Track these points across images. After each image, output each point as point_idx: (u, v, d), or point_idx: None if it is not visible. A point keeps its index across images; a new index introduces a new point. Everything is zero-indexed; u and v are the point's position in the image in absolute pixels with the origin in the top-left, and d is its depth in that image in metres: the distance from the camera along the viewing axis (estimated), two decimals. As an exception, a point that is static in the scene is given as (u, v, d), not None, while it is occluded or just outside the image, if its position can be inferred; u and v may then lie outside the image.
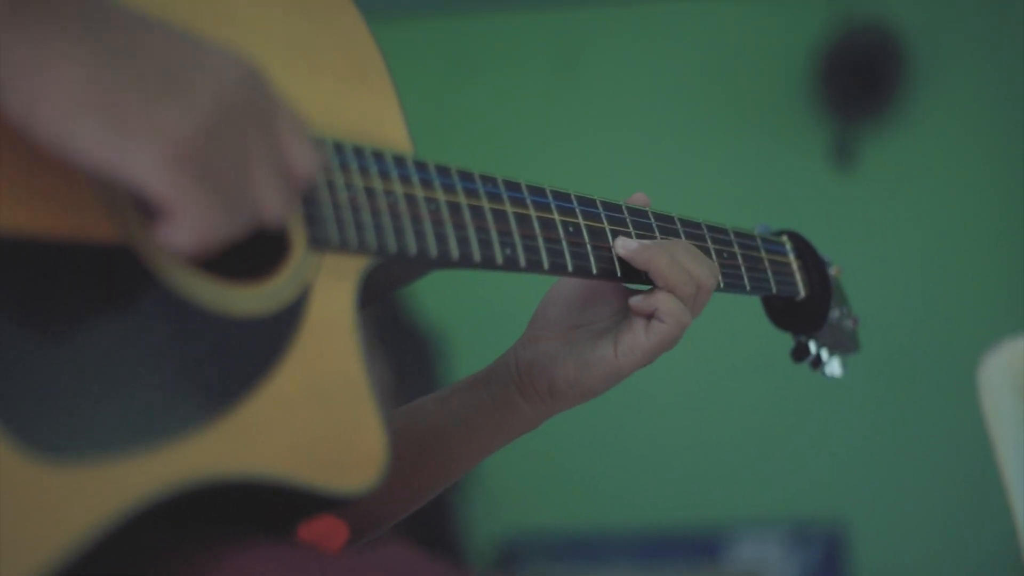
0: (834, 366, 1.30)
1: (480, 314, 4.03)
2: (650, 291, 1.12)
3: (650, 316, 1.12)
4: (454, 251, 0.98)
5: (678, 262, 1.11)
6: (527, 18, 4.29)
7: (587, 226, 1.09)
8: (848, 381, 4.16)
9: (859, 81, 4.08)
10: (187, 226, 0.77)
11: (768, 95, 4.19)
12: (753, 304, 1.34)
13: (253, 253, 0.89)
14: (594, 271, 1.09)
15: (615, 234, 1.11)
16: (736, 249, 1.22)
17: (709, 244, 1.19)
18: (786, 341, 1.34)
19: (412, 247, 0.95)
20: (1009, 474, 1.49)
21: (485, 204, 1.01)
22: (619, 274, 1.11)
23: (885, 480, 4.08)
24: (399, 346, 3.56)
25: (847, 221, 4.13)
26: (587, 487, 4.15)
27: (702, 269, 1.13)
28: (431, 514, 3.73)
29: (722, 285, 1.18)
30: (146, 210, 0.82)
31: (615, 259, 1.11)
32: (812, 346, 1.30)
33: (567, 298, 1.16)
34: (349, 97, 0.97)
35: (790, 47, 4.15)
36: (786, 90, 4.17)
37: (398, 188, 0.95)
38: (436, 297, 3.93)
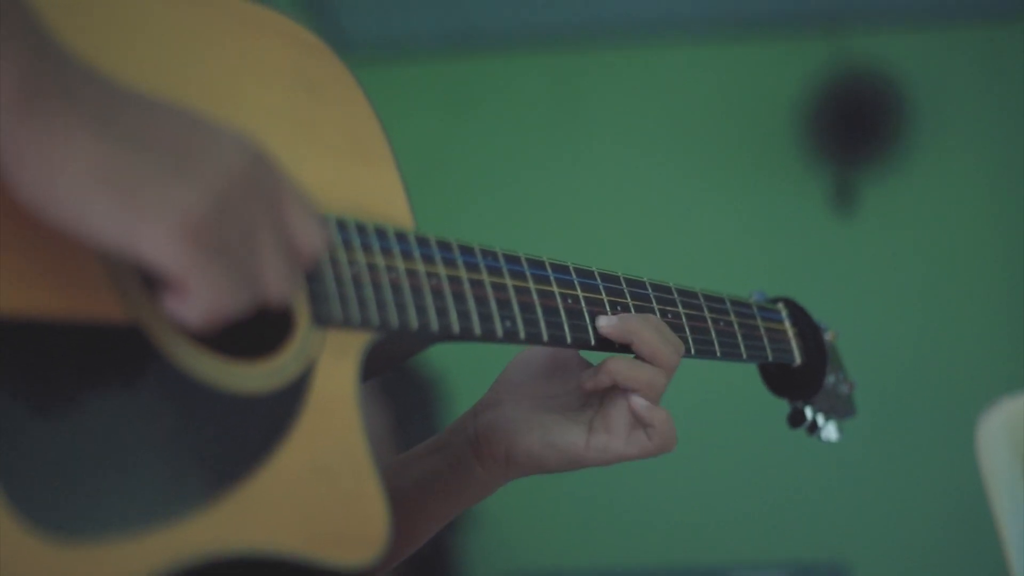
0: (830, 431, 1.31)
1: (479, 359, 4.03)
2: (649, 407, 1.12)
3: (644, 425, 1.12)
4: (455, 325, 0.99)
5: (662, 334, 1.12)
6: (527, 59, 4.31)
7: (585, 297, 1.10)
8: (848, 426, 4.14)
9: (859, 126, 4.10)
10: (197, 301, 0.79)
11: (768, 139, 4.20)
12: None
13: (257, 331, 0.90)
14: (592, 342, 1.10)
15: (613, 305, 1.12)
16: (733, 318, 1.23)
17: (706, 313, 1.20)
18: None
19: (414, 322, 0.96)
20: (1006, 531, 1.50)
21: (485, 278, 1.03)
22: (617, 346, 1.12)
23: (885, 523, 4.08)
24: (399, 391, 3.56)
25: (848, 266, 4.14)
26: (589, 528, 4.15)
27: (669, 347, 1.13)
28: (432, 555, 3.73)
29: (719, 353, 1.19)
30: (153, 288, 0.84)
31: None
32: (808, 412, 1.32)
33: (534, 366, 1.16)
34: (351, 172, 0.98)
35: (790, 91, 4.17)
36: (786, 135, 4.18)
37: (400, 264, 0.97)
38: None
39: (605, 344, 1.11)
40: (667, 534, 4.15)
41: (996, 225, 4.10)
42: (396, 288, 0.95)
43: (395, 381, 3.59)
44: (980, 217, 4.11)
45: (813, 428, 1.32)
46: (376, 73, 3.48)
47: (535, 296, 1.06)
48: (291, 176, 0.87)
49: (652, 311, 1.15)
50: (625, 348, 1.12)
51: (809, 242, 4.17)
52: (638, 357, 1.12)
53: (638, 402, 1.11)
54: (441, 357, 3.98)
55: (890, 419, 4.03)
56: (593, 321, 1.10)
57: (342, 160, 0.98)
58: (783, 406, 1.36)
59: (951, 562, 3.99)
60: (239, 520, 0.84)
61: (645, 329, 1.11)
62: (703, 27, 4.22)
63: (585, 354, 1.16)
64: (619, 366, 1.11)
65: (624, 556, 4.13)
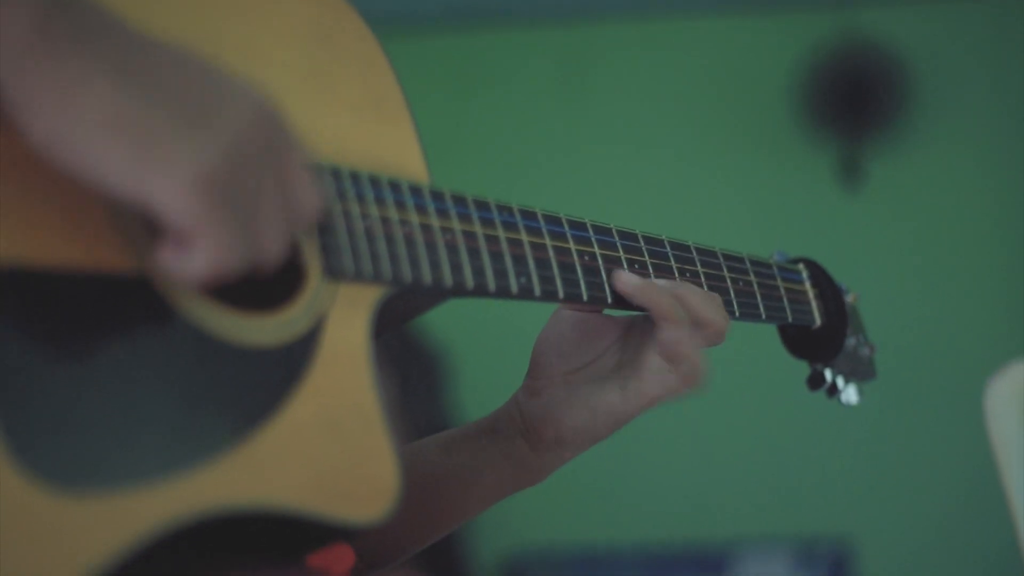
0: (850, 394, 1.29)
1: (486, 332, 4.04)
2: (676, 341, 1.09)
3: (675, 363, 1.09)
4: (469, 281, 0.98)
5: (686, 303, 1.09)
6: (534, 34, 4.30)
7: (602, 255, 1.08)
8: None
9: (864, 100, 4.09)
10: (200, 254, 0.78)
11: (774, 113, 4.19)
12: (762, 326, 1.34)
13: (268, 283, 0.89)
14: (609, 300, 1.08)
15: (631, 263, 1.10)
16: (752, 277, 1.21)
17: (725, 272, 1.18)
18: (792, 361, 1.33)
19: (427, 277, 0.95)
20: (1014, 497, 1.49)
21: (501, 234, 1.01)
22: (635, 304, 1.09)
23: (891, 498, 4.08)
24: (405, 364, 3.56)
25: (855, 240, 4.14)
26: (594, 504, 4.15)
27: (712, 312, 1.10)
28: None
29: (738, 313, 1.17)
30: (160, 239, 0.83)
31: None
32: (828, 374, 1.29)
33: (561, 342, 1.14)
34: (366, 126, 0.97)
35: (795, 65, 4.16)
36: (792, 109, 4.17)
37: (414, 218, 0.95)
38: (442, 314, 3.92)
39: (622, 301, 1.09)
40: (672, 510, 4.15)
41: (1001, 198, 4.09)
42: (409, 242, 0.94)
43: (401, 355, 3.59)
44: (985, 190, 4.11)
45: (833, 391, 1.30)
46: (384, 46, 3.44)
47: (551, 252, 1.04)
48: (301, 132, 0.86)
49: (671, 269, 1.13)
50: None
51: (815, 217, 4.16)
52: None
53: (663, 335, 1.09)
54: (446, 331, 3.97)
55: (897, 393, 4.03)
56: (610, 277, 1.08)
57: (358, 114, 0.97)
58: (789, 381, 1.34)
59: (959, 536, 3.99)
60: (247, 474, 0.83)
61: (692, 296, 1.10)
62: (708, 2, 4.20)
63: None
64: (661, 295, 1.09)
65: (628, 532, 4.13)
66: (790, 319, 1.25)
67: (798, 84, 4.16)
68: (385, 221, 0.93)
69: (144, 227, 0.83)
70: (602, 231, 1.09)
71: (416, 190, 0.97)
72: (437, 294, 0.98)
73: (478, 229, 1.00)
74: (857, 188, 4.12)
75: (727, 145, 4.21)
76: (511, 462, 1.14)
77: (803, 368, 1.32)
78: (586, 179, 4.22)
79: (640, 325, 1.12)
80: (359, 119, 0.97)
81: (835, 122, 4.12)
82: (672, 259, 1.14)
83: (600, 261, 1.08)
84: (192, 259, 0.79)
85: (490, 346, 4.08)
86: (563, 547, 4.10)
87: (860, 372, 1.33)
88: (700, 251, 1.17)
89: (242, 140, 0.80)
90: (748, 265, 1.21)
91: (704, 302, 1.10)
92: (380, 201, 0.94)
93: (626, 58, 4.28)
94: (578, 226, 1.08)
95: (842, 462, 4.10)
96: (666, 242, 1.14)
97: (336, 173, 0.91)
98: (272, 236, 0.82)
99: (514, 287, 1.01)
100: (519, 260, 1.01)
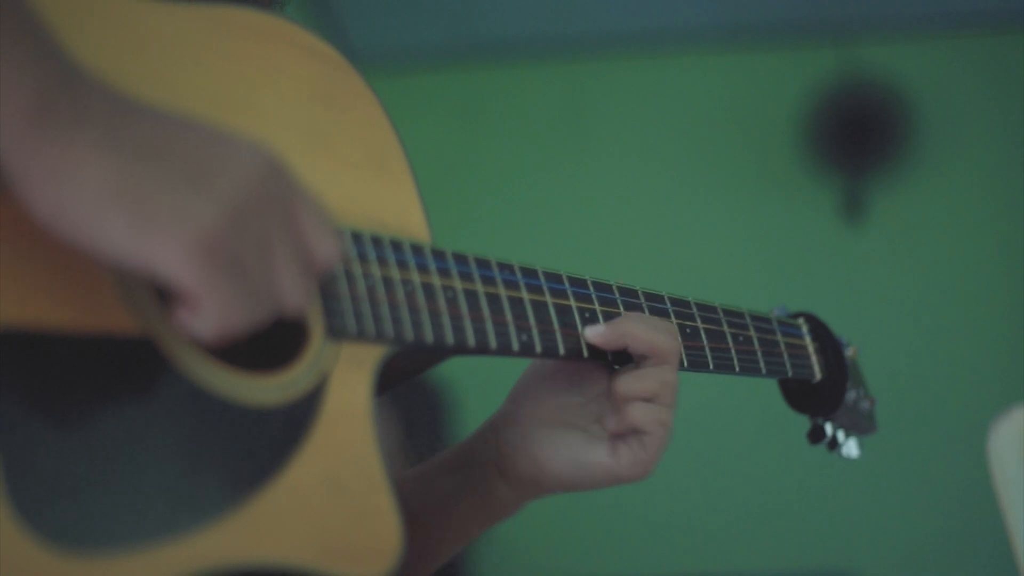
0: (851, 447, 1.29)
1: (489, 366, 4.03)
2: (613, 409, 1.08)
3: (634, 431, 1.08)
4: (471, 339, 0.98)
5: (651, 324, 1.08)
6: (538, 70, 4.31)
7: (603, 312, 1.09)
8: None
9: (866, 135, 4.10)
10: (210, 315, 0.78)
11: (777, 148, 4.20)
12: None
13: (271, 343, 0.90)
14: (609, 357, 1.09)
15: None
16: (752, 332, 1.21)
17: (725, 328, 1.19)
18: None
19: (429, 336, 0.96)
20: (1017, 539, 1.49)
21: (502, 292, 1.02)
22: (636, 360, 1.10)
23: (893, 533, 4.07)
24: (408, 399, 3.56)
25: (857, 275, 4.14)
26: (599, 536, 4.14)
27: (663, 335, 1.09)
28: (445, 564, 3.71)
29: (738, 368, 1.18)
30: (165, 301, 0.83)
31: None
32: (828, 428, 1.30)
33: (548, 377, 1.13)
34: (368, 186, 0.98)
35: (798, 101, 4.17)
36: (795, 143, 4.18)
37: (416, 277, 0.96)
38: (446, 349, 3.92)
39: (600, 354, 1.09)
40: (676, 542, 4.14)
41: (1004, 233, 4.09)
42: (412, 302, 0.95)
43: (404, 390, 3.59)
44: (988, 225, 4.11)
45: (833, 444, 1.30)
46: (384, 84, 3.46)
47: (552, 310, 1.05)
48: (307, 186, 0.86)
49: None
50: (621, 355, 1.10)
51: (818, 252, 4.16)
52: (637, 359, 1.09)
53: (636, 410, 1.08)
54: (449, 366, 3.97)
55: (899, 428, 4.02)
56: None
57: (359, 174, 0.98)
58: (793, 415, 1.34)
59: (960, 571, 3.98)
60: (251, 534, 0.83)
61: (635, 326, 1.08)
62: (711, 37, 4.22)
63: None
64: (629, 387, 1.08)
65: (633, 565, 4.12)
66: (790, 373, 1.25)
67: (801, 119, 4.17)
68: (387, 281, 0.94)
69: (146, 288, 0.84)
70: (602, 288, 1.10)
71: (418, 249, 0.97)
72: (439, 352, 0.99)
73: (479, 287, 1.00)
74: (859, 223, 4.12)
75: (730, 180, 4.22)
76: (483, 493, 1.13)
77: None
78: (588, 213, 4.22)
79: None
80: (361, 178, 0.97)
81: (838, 157, 4.12)
82: (672, 314, 1.14)
83: (601, 318, 1.09)
84: (202, 320, 0.79)
85: (493, 380, 4.07)
86: (567, 581, 4.10)
87: (860, 426, 1.33)
88: (700, 306, 1.18)
89: (245, 194, 0.79)
90: (748, 320, 1.22)
91: (648, 331, 1.08)
92: (382, 261, 0.94)
93: (629, 93, 4.29)
94: (579, 283, 1.09)
95: (845, 497, 4.09)
96: (667, 298, 1.15)
97: (336, 229, 0.92)
98: (289, 283, 0.82)
99: (515, 344, 1.02)
100: (520, 318, 1.02)
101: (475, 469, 1.14)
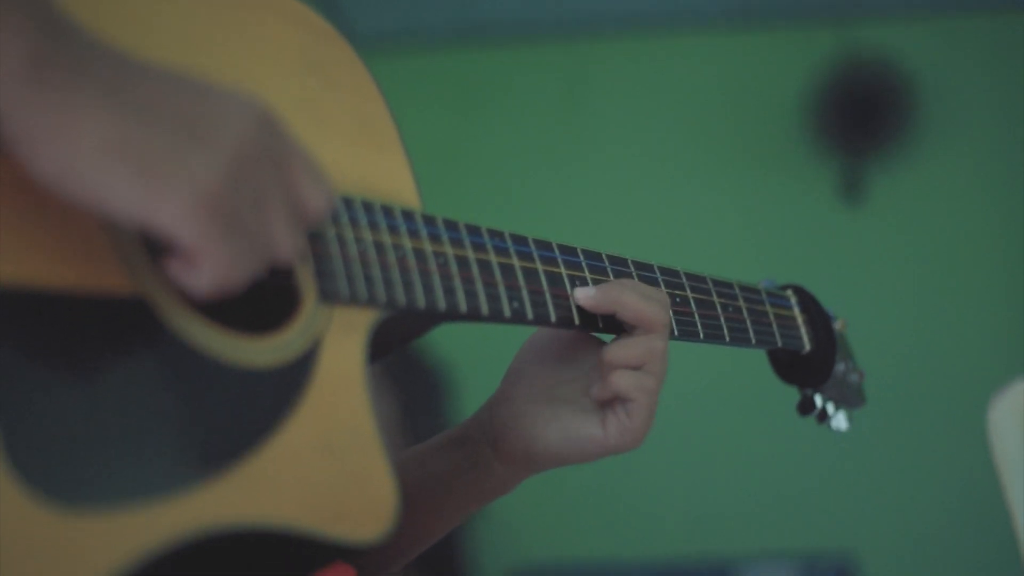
0: (840, 420, 1.29)
1: (487, 347, 4.04)
2: (601, 378, 1.09)
3: (618, 399, 1.09)
4: (462, 304, 0.99)
5: (643, 293, 1.08)
6: (537, 51, 4.31)
7: (593, 280, 1.10)
8: (857, 415, 4.13)
9: (866, 116, 4.10)
10: (209, 268, 0.79)
11: (777, 129, 4.20)
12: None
13: (264, 307, 0.90)
14: (600, 324, 1.10)
15: None
16: (741, 303, 1.22)
17: (714, 298, 1.19)
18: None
19: (421, 301, 0.96)
20: (1017, 513, 1.49)
21: (492, 258, 1.02)
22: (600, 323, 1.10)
23: (894, 513, 4.07)
24: (406, 380, 3.56)
25: (856, 256, 4.14)
26: (597, 519, 4.15)
27: (653, 304, 1.09)
28: (440, 547, 3.72)
29: (728, 338, 1.18)
30: (157, 259, 0.84)
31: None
32: (818, 400, 1.30)
33: (544, 351, 1.13)
34: (358, 153, 0.98)
35: (798, 81, 4.17)
36: (795, 124, 4.18)
37: (407, 243, 0.96)
38: (443, 330, 3.93)
39: (591, 322, 1.09)
40: (675, 525, 4.15)
41: (1004, 214, 4.09)
42: (403, 267, 0.95)
43: (403, 370, 3.60)
44: (988, 206, 4.11)
45: (823, 416, 1.31)
46: (385, 66, 3.48)
47: (543, 277, 1.06)
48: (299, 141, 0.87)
49: None
50: (612, 322, 1.10)
51: (817, 233, 4.16)
52: (625, 326, 1.09)
53: (621, 378, 1.08)
54: (448, 346, 3.98)
55: (898, 409, 4.02)
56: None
57: (349, 142, 0.98)
58: (791, 397, 1.35)
59: (961, 550, 3.98)
60: (244, 494, 0.84)
61: (624, 293, 1.08)
62: (711, 18, 4.21)
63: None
64: (615, 355, 1.08)
65: (632, 548, 4.13)
66: (780, 343, 1.26)
67: (800, 100, 4.17)
68: (379, 246, 0.94)
69: (141, 248, 0.84)
70: (592, 256, 1.11)
71: (408, 215, 0.98)
72: (431, 318, 0.99)
73: (470, 254, 1.01)
74: (859, 203, 4.12)
75: (729, 160, 4.22)
76: (478, 471, 1.14)
77: (803, 384, 1.33)
78: (588, 194, 4.22)
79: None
80: (351, 146, 0.98)
81: (837, 138, 4.12)
82: (662, 283, 1.15)
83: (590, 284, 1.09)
84: (199, 273, 0.79)
85: (491, 361, 4.07)
86: (567, 562, 4.10)
87: (849, 399, 1.33)
88: (689, 276, 1.18)
89: (242, 149, 0.80)
90: (737, 291, 1.22)
91: (638, 299, 1.08)
92: (374, 226, 0.95)
93: (629, 74, 4.29)
94: (568, 251, 1.09)
95: (845, 477, 4.10)
96: (656, 267, 1.16)
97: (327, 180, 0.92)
98: (283, 237, 0.83)
99: (507, 311, 1.02)
100: (511, 285, 1.03)
101: (471, 447, 1.14)
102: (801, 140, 4.17)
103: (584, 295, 1.08)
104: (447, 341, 3.96)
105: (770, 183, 4.20)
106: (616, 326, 1.10)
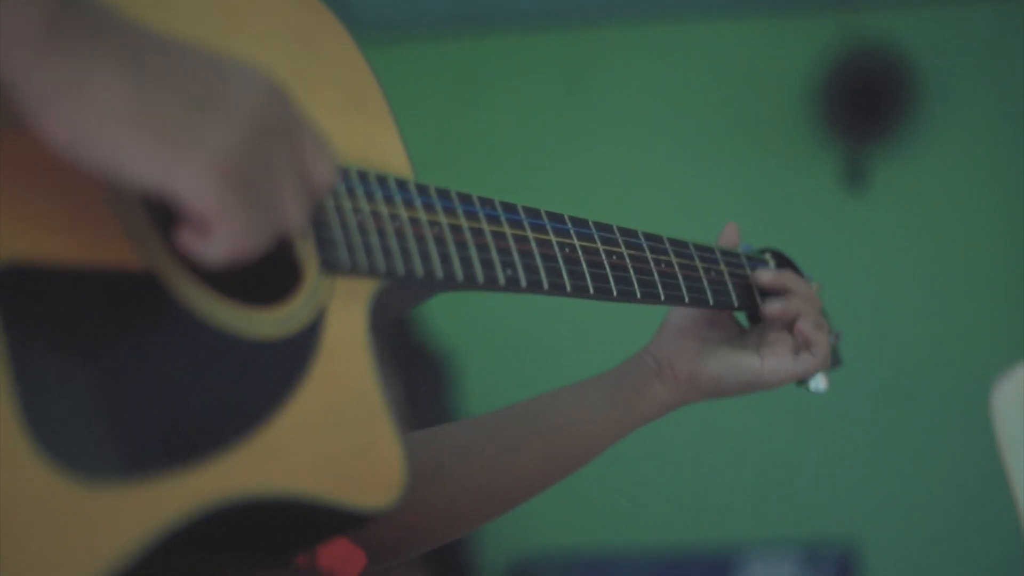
0: (818, 382, 1.32)
1: (490, 335, 4.04)
2: (815, 327, 1.26)
3: (805, 345, 1.26)
4: (458, 272, 1.00)
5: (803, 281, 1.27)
6: (538, 38, 4.30)
7: (582, 247, 1.13)
8: (860, 401, 4.16)
9: (869, 103, 4.09)
10: (223, 237, 0.79)
11: (779, 116, 4.20)
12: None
13: (265, 279, 0.91)
14: (591, 291, 1.12)
15: (608, 254, 1.15)
16: (723, 267, 1.27)
17: (697, 263, 1.24)
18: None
19: (419, 269, 0.97)
20: (1020, 499, 1.49)
21: (485, 227, 1.04)
22: (615, 294, 1.14)
23: (897, 500, 4.08)
24: (410, 367, 3.57)
25: (859, 243, 4.14)
26: (600, 507, 4.15)
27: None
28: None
29: (712, 302, 1.24)
30: (166, 233, 0.84)
31: (633, 281, 1.15)
32: None
33: (693, 314, 1.28)
34: (349, 125, 0.99)
35: (800, 69, 4.17)
36: (797, 112, 4.18)
37: (403, 212, 0.97)
38: (446, 318, 3.94)
39: (604, 293, 1.14)
40: (678, 512, 4.16)
41: (1005, 201, 4.09)
42: (400, 235, 0.96)
43: (406, 358, 3.60)
44: (990, 193, 4.11)
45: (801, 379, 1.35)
46: (385, 53, 3.48)
47: (533, 244, 1.07)
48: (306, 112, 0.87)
49: (646, 260, 1.18)
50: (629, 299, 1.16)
51: (820, 221, 4.17)
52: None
53: (805, 324, 1.25)
54: (451, 334, 3.98)
55: (900, 396, 4.03)
56: (590, 267, 1.12)
57: (340, 114, 0.98)
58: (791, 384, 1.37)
59: (964, 537, 3.99)
60: (259, 464, 0.84)
61: (792, 278, 1.30)
62: (712, 5, 4.21)
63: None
64: (795, 280, 1.28)
65: (634, 534, 4.13)
66: (761, 305, 1.30)
67: (803, 87, 4.16)
68: (376, 215, 0.95)
69: (147, 221, 0.85)
70: (579, 223, 1.14)
71: (403, 184, 0.99)
72: (429, 287, 1.00)
73: (463, 222, 1.02)
74: (861, 191, 4.12)
75: (731, 148, 4.22)
76: (640, 393, 1.25)
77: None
78: (589, 182, 4.22)
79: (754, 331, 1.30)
80: (343, 120, 0.98)
81: (840, 125, 4.12)
82: (647, 249, 1.19)
83: (580, 252, 1.12)
84: (213, 243, 0.79)
85: (494, 349, 4.08)
86: (569, 549, 4.11)
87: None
88: (672, 242, 1.23)
89: (256, 119, 0.81)
90: (718, 255, 1.28)
91: (800, 282, 1.29)
92: (370, 196, 0.96)
93: (630, 62, 4.28)
94: (557, 219, 1.12)
95: (847, 464, 4.10)
96: (640, 233, 1.20)
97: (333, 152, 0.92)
98: (293, 208, 0.83)
99: (501, 279, 1.03)
100: (504, 252, 1.04)
101: (631, 376, 1.26)
102: (803, 128, 4.17)
103: (766, 277, 1.29)
104: (450, 329, 3.96)
105: (772, 171, 4.20)
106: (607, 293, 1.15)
